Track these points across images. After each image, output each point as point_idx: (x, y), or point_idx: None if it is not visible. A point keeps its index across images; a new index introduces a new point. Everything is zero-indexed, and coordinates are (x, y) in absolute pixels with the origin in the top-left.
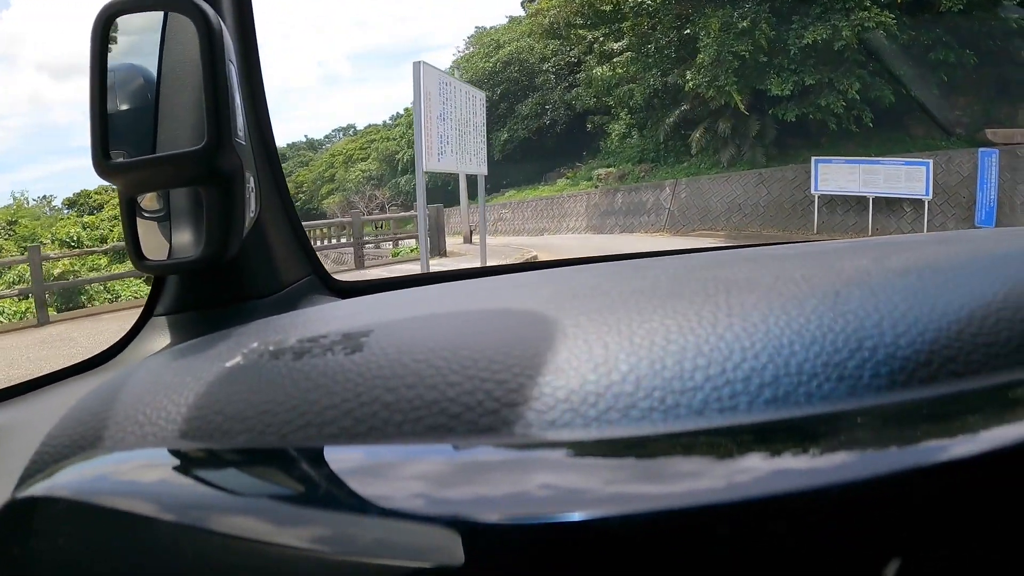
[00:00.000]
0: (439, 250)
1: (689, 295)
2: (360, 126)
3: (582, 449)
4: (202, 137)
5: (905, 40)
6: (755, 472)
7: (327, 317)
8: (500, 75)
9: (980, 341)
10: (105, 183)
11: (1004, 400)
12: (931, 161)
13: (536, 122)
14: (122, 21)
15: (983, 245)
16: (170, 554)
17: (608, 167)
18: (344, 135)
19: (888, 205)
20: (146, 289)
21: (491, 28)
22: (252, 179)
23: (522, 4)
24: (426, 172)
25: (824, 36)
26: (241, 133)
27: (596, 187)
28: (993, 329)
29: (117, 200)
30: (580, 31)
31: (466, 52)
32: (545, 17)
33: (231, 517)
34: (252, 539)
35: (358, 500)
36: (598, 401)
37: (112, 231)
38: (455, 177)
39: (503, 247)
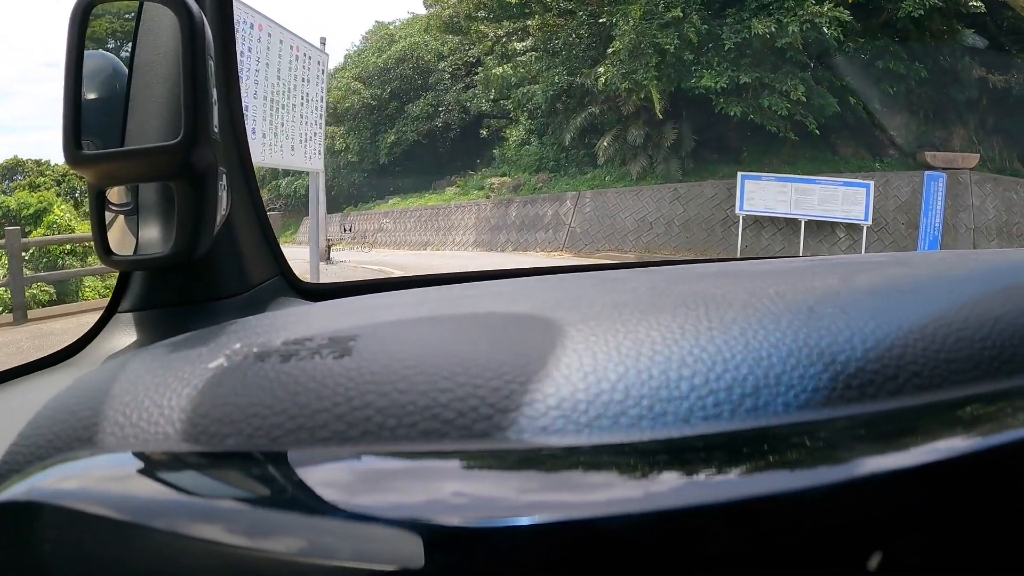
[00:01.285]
0: None
1: (671, 308)
2: None
3: (574, 455)
4: (176, 131)
5: (852, 46)
6: (738, 476)
7: (307, 320)
8: (392, 72)
9: (942, 357)
10: None
11: (965, 412)
12: (871, 183)
13: (427, 124)
14: (96, 9)
15: (939, 268)
16: (154, 561)
17: (503, 176)
18: None
19: (820, 229)
20: None
21: (390, 24)
22: (224, 176)
23: (425, 3)
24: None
25: (769, 30)
26: (216, 129)
27: (488, 197)
28: (954, 347)
29: None
30: (482, 27)
31: (360, 47)
32: (445, 9)
33: (222, 523)
34: (245, 546)
35: (351, 505)
36: (589, 408)
37: None
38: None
39: (361, 268)
